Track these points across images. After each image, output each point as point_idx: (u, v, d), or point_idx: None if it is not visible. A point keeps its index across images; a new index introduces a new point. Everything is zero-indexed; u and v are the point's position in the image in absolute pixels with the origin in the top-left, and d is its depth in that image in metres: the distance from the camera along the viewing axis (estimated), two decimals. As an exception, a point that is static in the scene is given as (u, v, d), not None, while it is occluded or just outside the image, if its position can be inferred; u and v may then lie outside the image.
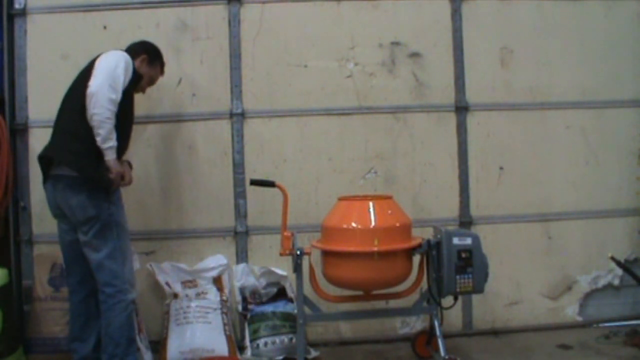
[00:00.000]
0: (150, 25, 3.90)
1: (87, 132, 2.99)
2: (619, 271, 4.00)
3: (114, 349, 3.04)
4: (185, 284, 3.75)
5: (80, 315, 3.24)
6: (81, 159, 3.02)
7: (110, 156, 3.03)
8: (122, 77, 3.05)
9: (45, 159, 3.14)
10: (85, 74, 3.10)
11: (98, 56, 3.15)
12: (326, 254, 3.27)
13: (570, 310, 4.08)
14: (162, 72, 3.55)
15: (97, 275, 3.09)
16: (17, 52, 3.86)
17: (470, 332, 3.98)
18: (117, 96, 2.99)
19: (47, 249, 3.73)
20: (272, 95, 3.96)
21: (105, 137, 2.98)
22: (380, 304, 3.67)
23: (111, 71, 3.02)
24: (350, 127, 3.99)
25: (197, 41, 3.93)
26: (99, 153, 3.02)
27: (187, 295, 3.68)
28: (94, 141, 2.99)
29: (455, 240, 3.19)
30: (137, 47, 3.39)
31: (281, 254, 3.28)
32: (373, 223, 3.19)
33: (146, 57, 3.38)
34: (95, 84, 2.96)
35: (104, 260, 3.05)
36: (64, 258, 3.27)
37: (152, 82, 3.49)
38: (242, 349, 3.65)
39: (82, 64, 3.79)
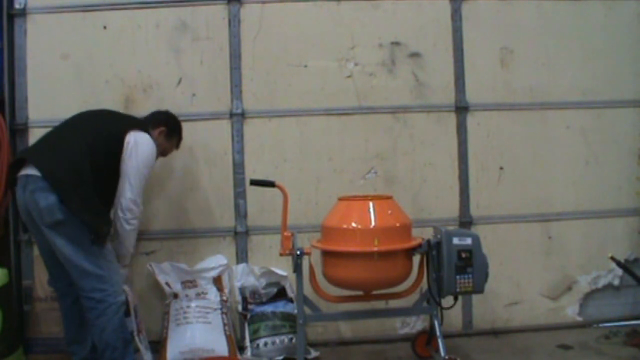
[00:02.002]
0: (150, 25, 3.91)
1: (94, 180, 3.01)
2: (619, 271, 4.00)
3: (112, 354, 3.01)
4: (185, 284, 3.75)
5: (75, 317, 3.22)
6: (86, 207, 2.97)
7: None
8: (150, 170, 3.24)
9: (18, 163, 3.08)
10: (111, 130, 3.16)
11: (130, 132, 3.16)
12: (326, 254, 3.27)
13: (570, 310, 4.08)
14: (177, 146, 3.59)
15: (81, 283, 3.01)
16: (17, 52, 3.86)
17: (470, 332, 3.98)
18: (140, 203, 3.20)
19: (47, 249, 3.73)
20: (272, 95, 3.96)
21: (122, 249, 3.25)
22: (380, 304, 3.67)
23: (141, 182, 3.15)
24: (350, 127, 3.99)
25: (197, 41, 3.93)
26: (99, 203, 3.06)
27: (187, 295, 3.68)
28: (96, 190, 3.03)
29: (455, 240, 3.19)
30: (159, 117, 3.46)
31: (281, 254, 3.28)
32: (373, 223, 3.18)
33: (164, 130, 3.41)
34: (127, 198, 3.11)
35: (87, 265, 2.97)
36: (46, 264, 3.24)
37: (164, 154, 3.51)
38: (242, 349, 3.65)
39: (82, 64, 3.84)
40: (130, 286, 3.59)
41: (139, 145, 3.14)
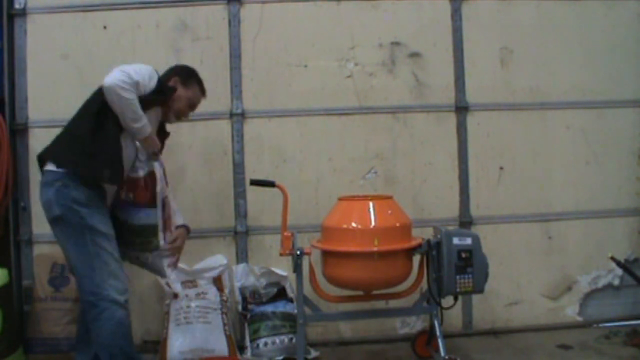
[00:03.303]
0: (150, 25, 3.91)
1: (84, 131, 2.89)
2: (619, 271, 4.00)
3: None
4: (185, 284, 3.75)
5: (85, 320, 3.04)
6: (74, 155, 2.88)
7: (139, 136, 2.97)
8: (140, 70, 2.90)
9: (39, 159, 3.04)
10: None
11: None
12: (326, 254, 3.27)
13: (570, 310, 4.08)
14: (202, 92, 3.35)
15: (78, 283, 2.91)
16: (17, 52, 3.86)
17: (470, 332, 3.99)
18: (130, 76, 2.84)
19: (47, 249, 3.73)
20: (272, 95, 3.96)
21: (128, 117, 2.88)
22: (380, 304, 3.66)
23: (129, 70, 2.88)
24: (350, 127, 3.99)
25: (197, 41, 3.93)
26: (93, 152, 2.87)
27: (187, 296, 3.68)
28: (89, 141, 2.87)
29: (455, 240, 3.18)
30: (167, 72, 3.24)
31: (281, 254, 3.27)
32: (373, 223, 3.18)
33: (177, 79, 3.20)
34: (110, 76, 2.84)
35: (79, 266, 2.84)
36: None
37: (192, 104, 3.29)
38: (242, 349, 3.65)
39: (82, 64, 3.85)
40: (163, 175, 3.22)
41: (125, 63, 2.98)
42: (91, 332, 2.89)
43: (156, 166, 3.09)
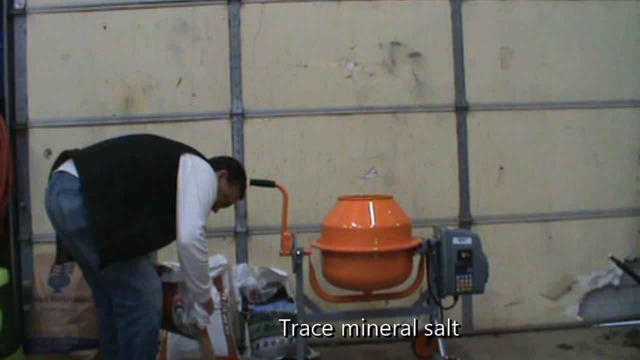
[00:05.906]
0: (150, 25, 3.91)
1: (130, 195, 2.69)
2: (619, 271, 4.00)
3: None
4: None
5: (107, 329, 2.99)
6: (108, 219, 2.62)
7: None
8: (209, 200, 2.82)
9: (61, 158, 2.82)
10: (164, 148, 2.88)
11: (186, 154, 2.83)
12: (326, 254, 3.27)
13: (570, 310, 4.08)
14: (241, 195, 3.21)
15: (112, 290, 2.76)
16: (17, 52, 3.86)
17: (470, 332, 3.98)
18: (205, 228, 2.77)
19: (47, 249, 3.71)
20: (272, 95, 3.96)
21: (195, 277, 2.82)
22: (380, 304, 3.66)
23: (205, 206, 2.77)
24: (350, 127, 3.99)
25: (197, 41, 3.93)
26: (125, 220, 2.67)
27: (187, 296, 3.67)
28: (128, 207, 2.68)
29: (455, 240, 3.18)
30: (220, 160, 3.11)
31: (281, 254, 3.28)
32: (373, 223, 3.18)
33: (226, 173, 3.05)
34: (186, 229, 2.73)
35: (117, 274, 2.70)
36: (81, 269, 3.04)
37: (226, 202, 3.13)
38: (242, 349, 3.65)
39: (82, 64, 3.84)
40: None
41: (197, 172, 2.80)
42: (121, 334, 2.79)
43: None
